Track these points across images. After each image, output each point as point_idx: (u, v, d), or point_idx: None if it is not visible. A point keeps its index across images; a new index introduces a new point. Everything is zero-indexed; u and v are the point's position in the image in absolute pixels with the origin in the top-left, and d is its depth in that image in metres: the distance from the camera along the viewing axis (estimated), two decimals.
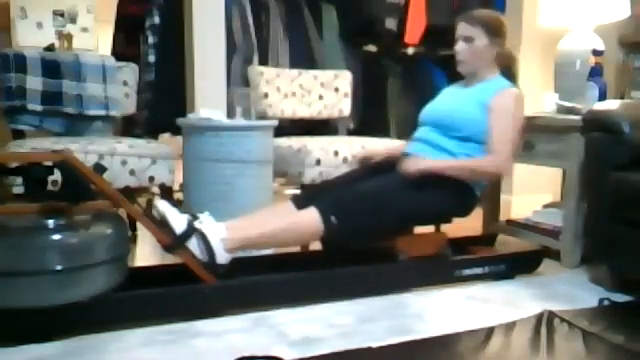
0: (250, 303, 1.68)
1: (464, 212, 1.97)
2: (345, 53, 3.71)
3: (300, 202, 1.88)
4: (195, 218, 1.70)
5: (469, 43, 1.97)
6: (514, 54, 2.10)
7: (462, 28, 1.98)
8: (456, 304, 1.78)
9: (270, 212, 1.92)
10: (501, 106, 1.91)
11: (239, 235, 1.69)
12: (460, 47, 1.99)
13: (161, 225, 1.64)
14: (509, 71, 2.05)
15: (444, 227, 2.03)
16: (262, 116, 2.99)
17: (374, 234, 1.84)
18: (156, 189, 2.62)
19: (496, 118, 1.90)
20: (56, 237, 1.40)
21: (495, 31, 1.97)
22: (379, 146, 2.46)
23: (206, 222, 1.69)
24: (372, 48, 3.71)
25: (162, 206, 1.66)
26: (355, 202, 1.78)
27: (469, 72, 2.03)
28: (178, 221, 1.65)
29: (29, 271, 1.36)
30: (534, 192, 2.99)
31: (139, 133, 3.33)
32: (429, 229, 2.04)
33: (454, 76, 3.60)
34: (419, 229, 2.03)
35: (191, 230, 1.64)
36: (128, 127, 3.28)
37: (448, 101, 2.03)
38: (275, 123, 2.47)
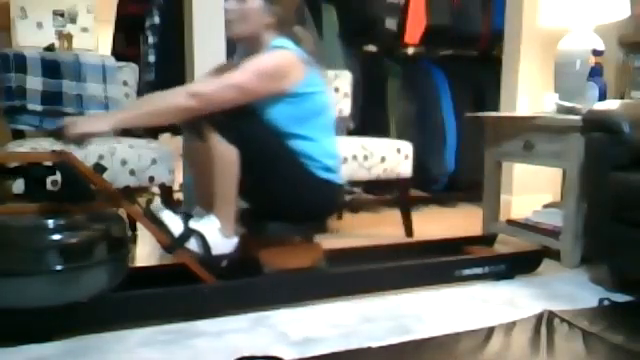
0: (250, 303, 1.68)
1: (327, 207, 1.83)
2: (345, 53, 3.71)
3: (195, 130, 1.73)
4: (189, 217, 1.71)
5: (240, 2, 1.73)
6: (292, 18, 1.82)
7: None
8: (456, 304, 1.78)
9: (201, 172, 1.78)
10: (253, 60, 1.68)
11: (225, 216, 1.68)
12: (230, 5, 1.75)
13: (160, 227, 1.64)
14: (288, 36, 1.78)
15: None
16: None
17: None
18: (156, 189, 2.62)
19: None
20: (56, 237, 1.40)
21: None
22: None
23: (200, 219, 1.69)
24: (372, 48, 3.70)
25: (158, 209, 1.67)
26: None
27: (237, 36, 1.80)
28: (175, 223, 1.65)
29: (29, 271, 1.36)
30: (534, 192, 2.99)
31: (139, 133, 3.33)
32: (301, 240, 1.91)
33: (454, 76, 3.62)
34: (287, 241, 1.89)
35: (188, 232, 1.65)
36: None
37: None
38: None
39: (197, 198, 1.79)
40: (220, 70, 1.89)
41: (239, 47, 2.02)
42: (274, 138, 1.71)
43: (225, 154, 1.64)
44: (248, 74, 1.65)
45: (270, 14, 1.75)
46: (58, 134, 1.56)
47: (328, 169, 1.78)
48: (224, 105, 1.63)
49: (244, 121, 1.67)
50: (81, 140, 1.55)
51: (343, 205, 1.77)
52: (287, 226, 1.80)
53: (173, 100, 1.61)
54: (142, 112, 1.63)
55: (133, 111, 1.69)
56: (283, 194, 1.74)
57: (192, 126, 1.72)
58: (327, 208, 1.88)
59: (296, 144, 1.73)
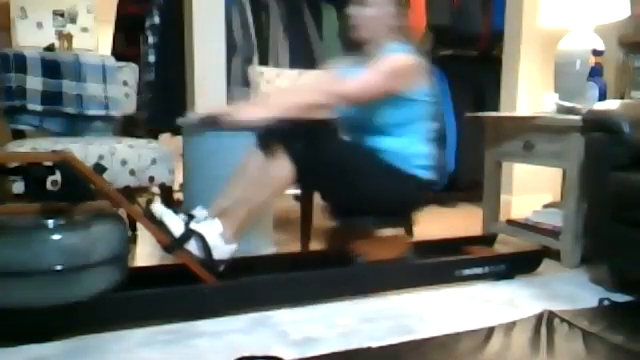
0: (250, 303, 1.68)
1: (416, 202, 1.91)
2: (345, 53, 3.71)
3: (265, 143, 1.79)
4: (191, 217, 1.70)
5: (365, 7, 1.86)
6: (406, 22, 1.95)
7: None
8: (456, 304, 1.78)
9: (243, 175, 1.82)
10: (379, 60, 1.78)
11: (233, 222, 1.69)
12: (356, 11, 1.88)
13: (160, 227, 1.64)
14: (407, 40, 1.90)
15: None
16: None
17: (338, 192, 1.81)
18: (156, 189, 2.62)
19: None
20: (56, 237, 1.40)
21: None
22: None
23: (202, 221, 1.70)
24: None
25: (159, 210, 1.67)
26: (323, 160, 1.74)
27: (362, 39, 1.90)
28: (175, 224, 1.65)
29: (29, 271, 1.36)
30: (534, 192, 2.99)
31: (139, 133, 3.33)
32: (393, 232, 2.00)
33: (454, 76, 3.62)
34: (383, 232, 1.98)
35: (189, 233, 1.65)
36: (128, 127, 3.28)
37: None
38: None
39: (218, 201, 1.79)
40: (331, 70, 2.02)
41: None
42: (357, 150, 1.83)
43: (280, 177, 1.72)
44: (380, 73, 1.75)
45: (391, 19, 1.87)
46: (207, 121, 1.65)
47: (419, 167, 1.87)
48: (357, 103, 1.76)
49: (324, 134, 1.77)
50: (235, 128, 1.62)
51: (428, 201, 1.93)
52: (377, 219, 1.91)
53: (314, 97, 1.73)
54: (286, 106, 1.69)
55: (277, 103, 1.71)
56: (374, 192, 1.81)
57: (265, 144, 1.79)
58: (415, 202, 1.94)
59: (391, 142, 1.83)
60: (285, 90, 1.78)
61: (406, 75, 1.80)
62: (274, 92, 1.82)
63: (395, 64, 1.77)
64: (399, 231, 2.02)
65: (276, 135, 1.73)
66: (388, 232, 1.99)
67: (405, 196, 1.88)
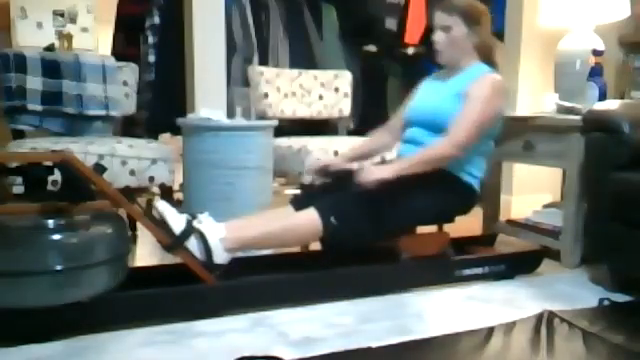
0: (250, 303, 1.68)
1: (464, 209, 1.96)
2: (345, 53, 3.71)
3: (299, 203, 1.88)
4: (194, 217, 1.70)
5: (447, 32, 1.92)
6: (492, 42, 2.03)
7: (439, 17, 1.94)
8: (456, 304, 1.78)
9: (270, 213, 1.92)
10: (475, 91, 1.86)
11: (238, 235, 1.69)
12: (438, 37, 1.94)
13: (161, 225, 1.64)
14: (489, 60, 1.99)
15: (445, 226, 2.03)
16: (262, 116, 2.99)
17: (374, 236, 1.83)
18: (156, 189, 2.62)
19: (467, 102, 1.85)
20: (56, 237, 1.40)
21: (473, 19, 1.92)
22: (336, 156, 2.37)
23: (205, 222, 1.69)
24: (372, 48, 3.71)
25: (161, 206, 1.67)
26: (354, 204, 1.78)
27: (448, 62, 1.98)
28: (177, 221, 1.65)
29: (29, 271, 1.36)
30: (534, 192, 2.99)
31: (139, 133, 3.33)
32: (431, 228, 2.03)
33: None
34: (421, 229, 2.02)
35: (190, 230, 1.64)
36: (128, 127, 3.28)
37: (430, 98, 1.99)
38: (275, 123, 2.47)
39: (237, 219, 1.82)
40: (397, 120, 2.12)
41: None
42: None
43: (310, 225, 1.74)
44: (479, 108, 1.84)
45: (473, 40, 1.94)
46: (346, 175, 1.86)
47: (472, 175, 1.92)
48: (471, 144, 1.84)
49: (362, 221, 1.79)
50: (370, 184, 1.74)
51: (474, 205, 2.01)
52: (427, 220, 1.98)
53: (438, 151, 1.81)
54: (413, 162, 1.81)
55: (407, 162, 1.83)
56: (427, 204, 1.86)
57: (298, 201, 1.91)
58: (461, 209, 1.97)
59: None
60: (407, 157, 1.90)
61: (502, 96, 1.94)
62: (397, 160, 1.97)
63: (490, 91, 1.86)
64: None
65: (310, 198, 1.85)
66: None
67: (453, 201, 1.93)
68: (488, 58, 1.98)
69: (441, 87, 1.98)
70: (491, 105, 1.87)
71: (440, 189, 1.87)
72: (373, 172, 1.76)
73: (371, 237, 1.83)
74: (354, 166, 1.98)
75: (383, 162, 2.04)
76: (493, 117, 1.89)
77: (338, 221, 1.73)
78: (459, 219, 1.99)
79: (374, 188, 1.75)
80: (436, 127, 1.89)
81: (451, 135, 1.81)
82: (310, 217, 1.74)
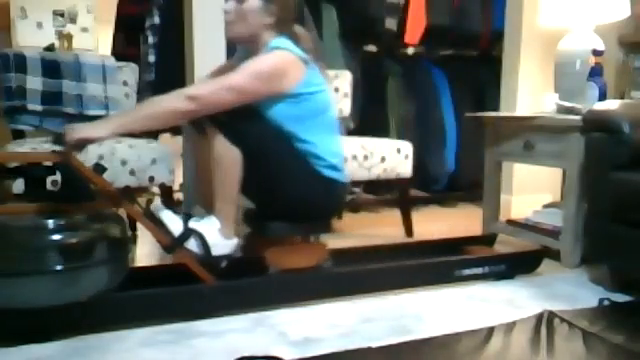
0: (250, 303, 1.68)
1: (329, 203, 1.81)
2: (345, 53, 3.71)
3: (196, 124, 1.75)
4: (189, 217, 1.71)
5: (239, 3, 1.73)
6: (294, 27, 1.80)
7: None
8: (456, 304, 1.78)
9: (202, 166, 1.78)
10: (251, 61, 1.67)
11: (226, 215, 1.68)
12: (228, 6, 1.75)
13: (160, 226, 1.65)
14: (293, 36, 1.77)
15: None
16: None
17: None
18: (156, 189, 2.62)
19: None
20: (56, 237, 1.40)
21: None
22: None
23: (200, 219, 1.70)
24: (372, 48, 3.70)
25: (158, 209, 1.67)
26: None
27: (235, 39, 1.83)
28: (174, 223, 1.65)
29: (29, 271, 1.36)
30: (534, 192, 2.99)
31: (139, 133, 3.33)
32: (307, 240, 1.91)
33: (454, 76, 3.62)
34: (292, 240, 1.88)
35: (188, 232, 1.65)
36: None
37: None
38: None
39: (198, 197, 1.79)
40: (220, 71, 1.88)
41: (239, 47, 2.02)
42: (278, 138, 1.70)
43: (227, 154, 1.64)
44: (245, 76, 1.65)
45: (268, 14, 1.74)
46: (58, 139, 1.57)
47: (332, 167, 1.77)
48: (222, 107, 1.62)
49: (247, 121, 1.66)
50: (80, 145, 1.56)
51: (345, 204, 1.74)
52: (292, 225, 1.79)
53: (171, 103, 1.61)
54: (140, 116, 1.63)
55: (131, 115, 1.68)
56: (287, 193, 1.72)
57: (196, 124, 1.73)
58: (331, 206, 1.87)
59: (299, 143, 1.72)
60: (153, 100, 1.69)
61: (281, 74, 1.67)
62: (144, 103, 1.72)
63: (265, 65, 1.66)
64: (317, 238, 1.92)
65: (208, 120, 1.65)
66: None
67: (320, 200, 1.77)
68: (285, 32, 1.77)
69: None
70: (264, 76, 1.65)
71: (304, 184, 1.73)
72: (81, 130, 1.55)
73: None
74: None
75: None
76: (263, 86, 1.65)
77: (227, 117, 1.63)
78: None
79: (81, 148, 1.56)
80: None
81: (191, 88, 1.68)
82: (222, 144, 1.63)
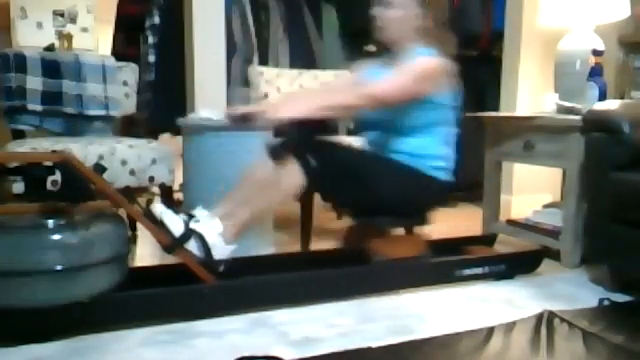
0: (250, 303, 1.68)
1: (436, 202, 1.92)
2: (345, 53, 3.71)
3: (275, 153, 1.80)
4: (191, 217, 1.71)
5: (389, 9, 1.86)
6: (445, 32, 1.93)
7: None
8: (456, 304, 1.78)
9: (253, 181, 1.81)
10: (410, 61, 1.79)
11: (234, 223, 1.70)
12: (378, 12, 1.88)
13: (160, 227, 1.64)
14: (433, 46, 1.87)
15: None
16: None
17: (343, 196, 1.82)
18: (156, 189, 2.62)
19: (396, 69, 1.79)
20: (56, 237, 1.40)
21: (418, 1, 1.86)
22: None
23: (202, 220, 1.70)
24: (372, 48, 3.70)
25: (158, 210, 1.67)
26: (329, 151, 1.78)
27: (387, 41, 1.91)
28: (175, 224, 1.65)
29: (29, 271, 1.36)
30: (534, 192, 2.99)
31: (139, 133, 3.33)
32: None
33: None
34: (397, 231, 2.00)
35: (189, 232, 1.65)
36: (128, 127, 3.28)
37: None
38: None
39: (222, 203, 1.79)
40: (358, 71, 2.05)
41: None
42: (365, 152, 1.84)
43: (291, 179, 1.72)
44: (409, 76, 1.75)
45: (417, 21, 1.86)
46: (237, 118, 1.71)
47: (436, 168, 1.87)
48: (388, 106, 1.77)
49: (335, 143, 1.82)
50: (275, 124, 1.68)
51: (446, 200, 1.95)
52: (394, 219, 1.92)
53: (348, 99, 1.75)
54: (322, 105, 1.72)
55: (314, 102, 1.73)
56: (389, 193, 1.80)
57: (276, 153, 1.80)
58: (431, 203, 1.94)
59: (411, 143, 1.84)
60: (315, 90, 1.79)
61: (434, 79, 1.81)
62: (304, 92, 1.83)
63: (424, 67, 1.78)
64: (416, 230, 2.04)
65: (287, 145, 1.76)
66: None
67: (421, 197, 1.89)
68: (431, 40, 1.88)
69: (385, 74, 1.88)
70: (425, 78, 1.78)
71: (406, 183, 1.83)
72: (278, 110, 1.66)
73: (341, 194, 1.82)
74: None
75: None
76: (414, 92, 1.77)
77: (316, 160, 1.72)
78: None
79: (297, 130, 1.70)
80: (393, 128, 1.87)
81: (370, 87, 1.77)
82: (291, 172, 1.72)
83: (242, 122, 1.81)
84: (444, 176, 1.90)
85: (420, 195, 1.88)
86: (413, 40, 1.88)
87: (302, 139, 1.78)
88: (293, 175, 1.72)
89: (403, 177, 1.82)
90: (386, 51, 1.96)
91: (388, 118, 1.85)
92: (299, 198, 1.93)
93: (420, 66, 1.78)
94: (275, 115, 1.64)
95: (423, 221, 1.95)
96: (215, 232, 1.67)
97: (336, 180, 1.77)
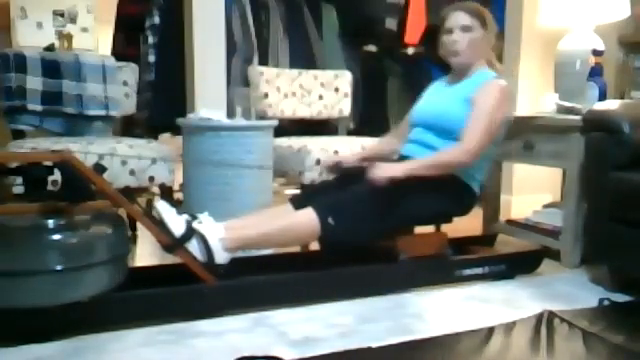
0: (250, 303, 1.68)
1: (463, 211, 1.96)
2: (345, 53, 3.71)
3: (299, 203, 1.88)
4: (194, 218, 1.70)
5: (467, 32, 1.92)
6: (495, 49, 2.07)
7: (461, 17, 1.92)
8: (456, 304, 1.78)
9: (269, 213, 1.92)
10: (483, 97, 1.86)
11: (238, 235, 1.69)
12: (458, 37, 1.93)
13: (161, 226, 1.64)
14: (492, 66, 2.00)
15: (444, 226, 2.03)
16: (262, 116, 2.99)
17: (372, 236, 1.83)
18: (156, 189, 2.62)
19: (475, 108, 1.86)
20: (56, 237, 1.40)
21: (487, 23, 1.94)
22: (349, 152, 2.42)
23: (205, 222, 1.70)
24: (372, 48, 3.71)
25: (161, 207, 1.67)
26: (353, 204, 1.78)
27: (463, 64, 1.97)
28: (177, 223, 1.65)
29: (29, 271, 1.36)
30: (534, 192, 2.99)
31: (139, 133, 3.33)
32: (429, 229, 2.03)
33: None
34: (419, 229, 2.02)
35: (190, 232, 1.65)
36: (128, 127, 3.28)
37: (437, 101, 2.01)
38: (275, 123, 2.47)
39: (233, 219, 1.82)
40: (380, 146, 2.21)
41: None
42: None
43: (307, 224, 1.74)
44: (490, 116, 1.84)
45: (487, 44, 1.96)
46: (357, 172, 1.85)
47: (474, 179, 1.94)
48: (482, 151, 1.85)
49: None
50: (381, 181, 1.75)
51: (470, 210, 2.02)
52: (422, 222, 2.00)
53: (451, 157, 1.82)
54: (425, 165, 1.81)
55: (418, 163, 1.83)
56: (424, 210, 1.88)
57: (298, 201, 1.91)
58: (461, 211, 1.97)
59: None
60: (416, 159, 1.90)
61: (508, 106, 1.94)
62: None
63: (500, 101, 1.87)
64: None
65: (309, 197, 1.87)
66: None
67: (454, 205, 1.94)
68: (491, 64, 2.00)
69: (448, 91, 2.00)
70: (500, 112, 1.88)
71: (441, 191, 1.87)
72: (385, 169, 1.77)
73: (368, 237, 1.83)
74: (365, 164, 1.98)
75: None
76: (502, 123, 1.90)
77: (335, 221, 1.73)
78: (459, 219, 1.99)
79: (381, 186, 1.75)
80: (441, 129, 1.91)
81: (464, 143, 1.82)
82: (308, 217, 1.74)
83: (348, 174, 1.96)
84: (476, 188, 1.96)
85: (452, 202, 1.93)
86: (479, 62, 1.97)
87: (324, 195, 1.85)
88: (310, 221, 1.74)
89: (437, 185, 1.84)
90: (448, 69, 2.05)
91: (440, 122, 1.91)
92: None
93: (497, 102, 1.86)
94: (381, 173, 1.74)
95: (448, 221, 2.00)
96: (216, 236, 1.66)
97: (356, 223, 1.78)
